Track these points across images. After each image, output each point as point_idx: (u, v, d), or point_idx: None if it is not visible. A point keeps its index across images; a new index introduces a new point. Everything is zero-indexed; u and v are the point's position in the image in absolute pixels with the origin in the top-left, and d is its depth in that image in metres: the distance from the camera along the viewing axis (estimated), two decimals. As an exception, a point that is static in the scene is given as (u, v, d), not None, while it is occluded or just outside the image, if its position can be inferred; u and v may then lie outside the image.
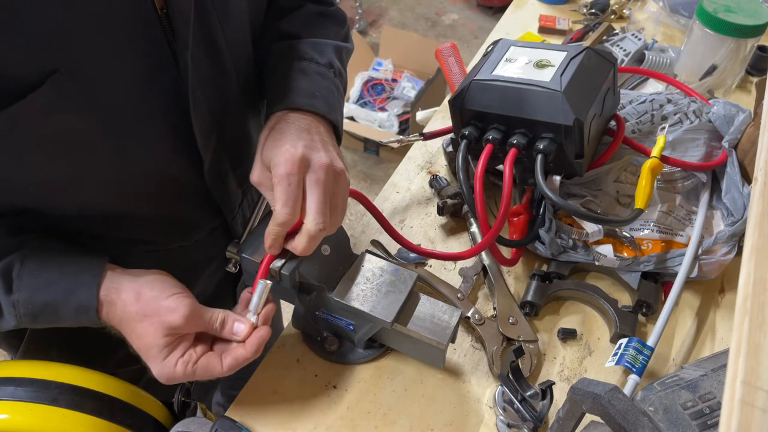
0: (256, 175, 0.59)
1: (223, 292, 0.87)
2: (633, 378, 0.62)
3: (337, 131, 0.66)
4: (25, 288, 0.54)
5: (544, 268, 0.77)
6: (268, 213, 0.67)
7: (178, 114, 0.59)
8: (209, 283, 0.82)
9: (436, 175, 0.88)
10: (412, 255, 0.76)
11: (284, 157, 0.56)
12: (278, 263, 0.61)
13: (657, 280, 0.74)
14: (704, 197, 0.79)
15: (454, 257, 0.72)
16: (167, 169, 0.62)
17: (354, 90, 2.59)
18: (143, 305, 0.55)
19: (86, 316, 0.55)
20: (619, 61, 1.03)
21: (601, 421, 0.48)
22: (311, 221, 0.56)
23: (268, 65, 0.69)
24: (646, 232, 0.77)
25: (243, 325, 0.58)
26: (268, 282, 0.58)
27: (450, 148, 0.88)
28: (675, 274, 0.72)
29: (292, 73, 0.66)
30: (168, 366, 0.54)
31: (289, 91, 0.64)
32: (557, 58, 0.71)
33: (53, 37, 0.46)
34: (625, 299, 0.76)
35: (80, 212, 0.60)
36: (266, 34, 0.72)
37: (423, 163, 0.92)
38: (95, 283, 0.55)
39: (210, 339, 0.59)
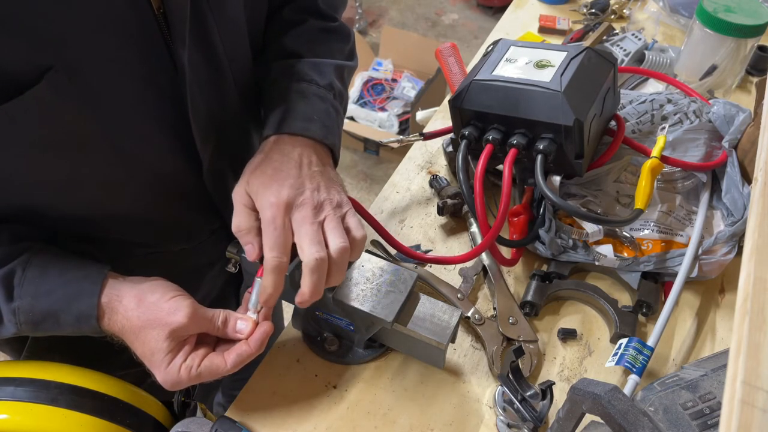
0: (237, 222, 0.58)
1: (227, 294, 0.88)
2: (633, 378, 0.62)
3: (334, 154, 0.66)
4: (26, 295, 0.54)
5: (544, 268, 0.77)
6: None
7: (175, 114, 0.59)
8: (213, 285, 0.82)
9: (436, 175, 0.88)
10: (412, 255, 0.76)
11: (269, 201, 0.56)
12: (278, 263, 0.61)
13: (657, 280, 0.74)
14: (704, 197, 0.79)
15: (452, 261, 0.72)
16: (166, 170, 0.62)
17: (354, 90, 2.59)
18: (145, 310, 0.55)
19: (87, 325, 0.55)
20: (619, 61, 1.03)
21: (601, 421, 0.48)
22: (306, 254, 0.54)
23: (268, 84, 0.69)
24: (646, 232, 0.77)
25: (245, 323, 0.58)
26: None
27: (450, 148, 0.88)
28: (675, 274, 0.72)
29: (290, 94, 0.65)
30: (172, 372, 0.54)
31: (286, 114, 0.64)
32: (557, 58, 0.71)
33: (48, 33, 0.46)
34: (625, 299, 0.76)
35: (80, 213, 0.60)
36: (269, 49, 0.71)
37: (423, 163, 0.92)
38: (96, 292, 0.55)
39: (212, 342, 0.59)
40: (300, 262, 0.61)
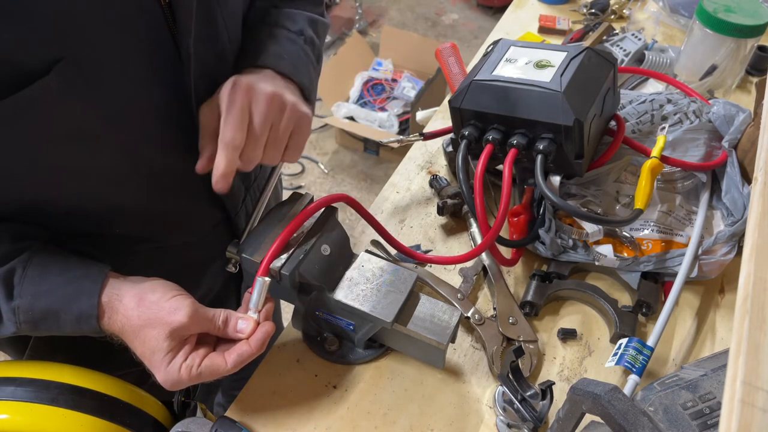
0: (203, 111, 0.59)
1: (227, 292, 0.87)
2: (633, 378, 0.62)
3: (304, 92, 0.67)
4: (26, 294, 0.54)
5: (544, 268, 0.77)
6: (269, 212, 0.67)
7: (180, 106, 0.59)
8: (215, 281, 0.82)
9: (436, 175, 0.88)
10: (412, 255, 0.76)
11: (230, 82, 0.57)
12: (278, 263, 0.61)
13: (657, 280, 0.74)
14: (704, 197, 0.79)
15: (452, 261, 0.72)
16: (170, 162, 0.62)
17: (354, 90, 2.59)
18: (145, 309, 0.55)
19: (87, 324, 0.55)
20: (619, 61, 1.03)
21: (601, 421, 0.48)
22: (226, 137, 0.56)
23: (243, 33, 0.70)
24: (646, 232, 0.77)
25: (246, 322, 0.58)
26: (266, 279, 0.59)
27: (450, 148, 0.88)
28: (675, 274, 0.72)
29: (261, 37, 0.67)
30: (172, 372, 0.54)
31: (257, 53, 0.65)
32: (557, 58, 0.71)
33: (58, 25, 0.46)
34: (625, 299, 0.76)
35: (84, 208, 0.60)
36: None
37: (423, 163, 0.92)
38: (96, 291, 0.55)
39: (212, 342, 0.59)
40: (300, 264, 0.61)
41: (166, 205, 0.66)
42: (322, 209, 0.66)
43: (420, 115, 1.03)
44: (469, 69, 0.87)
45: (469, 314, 0.71)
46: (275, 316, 0.80)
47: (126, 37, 0.51)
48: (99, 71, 0.51)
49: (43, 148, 0.52)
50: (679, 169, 0.79)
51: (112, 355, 0.62)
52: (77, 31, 0.48)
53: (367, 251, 0.69)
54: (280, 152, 0.60)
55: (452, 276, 0.77)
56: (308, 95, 0.67)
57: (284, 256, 0.61)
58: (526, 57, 0.72)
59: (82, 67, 0.49)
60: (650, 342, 0.65)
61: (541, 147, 0.67)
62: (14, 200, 0.56)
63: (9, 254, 0.55)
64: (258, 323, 0.58)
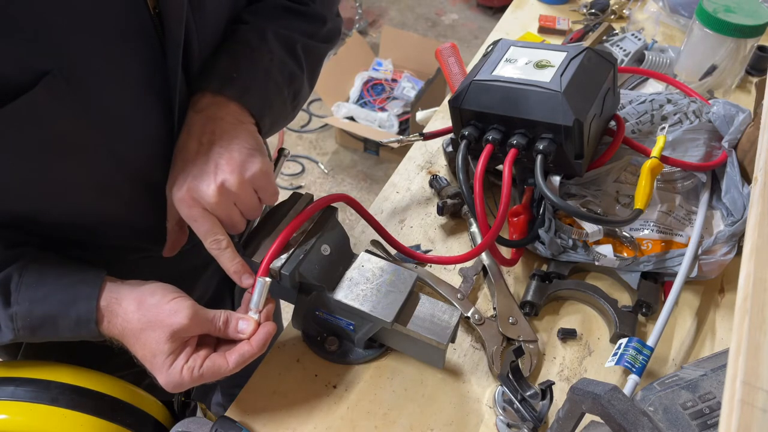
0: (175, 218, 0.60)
1: (222, 293, 0.87)
2: (633, 378, 0.62)
3: (254, 115, 0.63)
4: (24, 301, 0.54)
5: (544, 268, 0.77)
6: (269, 212, 0.67)
7: (170, 117, 0.58)
8: (208, 285, 0.82)
9: (436, 175, 0.88)
10: (412, 255, 0.76)
11: (178, 200, 0.57)
12: (278, 263, 0.61)
13: (657, 280, 0.74)
14: (704, 197, 0.79)
15: (452, 261, 0.72)
16: (161, 173, 0.62)
17: (354, 90, 2.59)
18: (145, 312, 0.55)
19: (86, 329, 0.55)
20: (619, 61, 1.03)
21: (601, 421, 0.48)
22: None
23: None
24: (646, 232, 0.77)
25: (247, 323, 0.58)
26: (267, 279, 0.59)
27: (450, 148, 0.88)
28: (675, 274, 0.72)
29: (220, 54, 0.63)
30: (174, 374, 0.54)
31: (209, 71, 0.61)
32: (557, 58, 0.71)
33: (45, 38, 0.46)
34: (625, 299, 0.76)
35: (74, 219, 0.60)
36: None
37: (423, 163, 0.92)
38: (94, 295, 0.55)
39: (212, 343, 0.59)
40: (300, 264, 0.61)
41: (157, 215, 0.66)
42: (322, 209, 0.66)
43: (420, 115, 1.03)
44: (469, 69, 0.87)
45: (469, 314, 0.71)
46: (275, 316, 0.80)
47: (115, 47, 0.51)
48: (88, 83, 0.50)
49: (32, 160, 0.52)
50: (679, 169, 0.79)
51: (107, 357, 0.61)
52: (64, 44, 0.47)
53: (367, 251, 0.69)
54: (257, 211, 0.60)
55: (452, 276, 0.77)
56: (257, 117, 0.63)
57: (284, 256, 0.61)
58: (526, 57, 0.72)
59: (69, 80, 0.48)
60: (650, 342, 0.65)
61: (541, 147, 0.67)
62: (4, 210, 0.56)
63: (4, 261, 0.55)
64: (259, 324, 0.58)
